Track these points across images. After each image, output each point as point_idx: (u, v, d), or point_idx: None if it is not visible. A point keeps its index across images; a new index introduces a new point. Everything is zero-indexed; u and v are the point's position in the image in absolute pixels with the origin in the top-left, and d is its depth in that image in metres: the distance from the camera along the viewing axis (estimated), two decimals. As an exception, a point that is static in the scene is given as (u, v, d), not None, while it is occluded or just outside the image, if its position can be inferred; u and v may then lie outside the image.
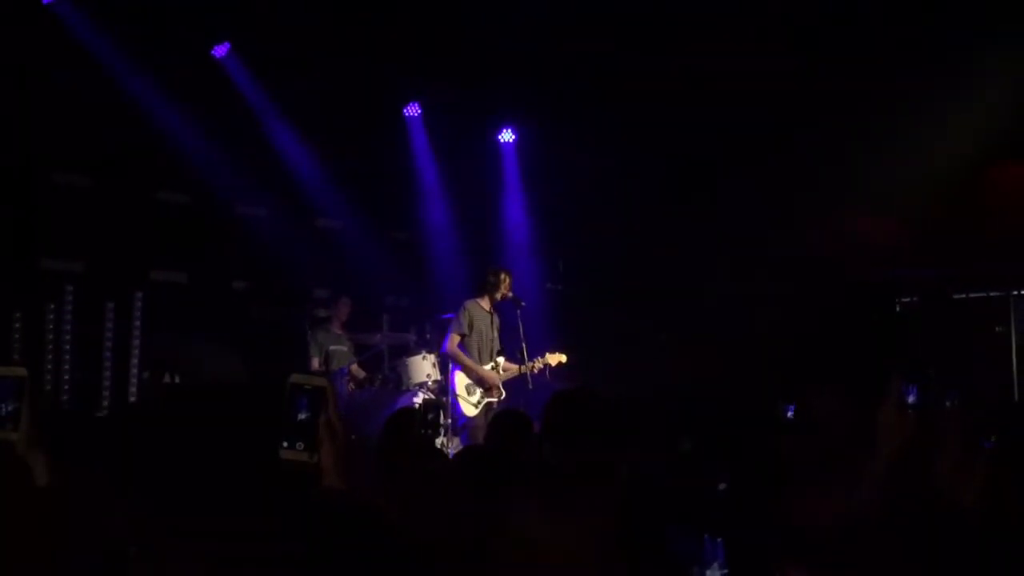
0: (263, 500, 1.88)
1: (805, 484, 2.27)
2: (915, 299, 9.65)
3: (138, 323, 9.26)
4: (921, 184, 8.84)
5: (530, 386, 8.62)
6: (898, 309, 9.71)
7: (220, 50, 9.89)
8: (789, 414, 2.36)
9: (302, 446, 1.83)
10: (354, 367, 9.73)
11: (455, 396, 8.61)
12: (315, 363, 9.54)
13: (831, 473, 2.40)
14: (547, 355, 8.73)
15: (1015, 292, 8.97)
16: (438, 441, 8.56)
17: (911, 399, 2.29)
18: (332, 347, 9.71)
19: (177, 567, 1.67)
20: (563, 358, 8.78)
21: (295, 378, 1.87)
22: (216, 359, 8.18)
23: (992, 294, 9.12)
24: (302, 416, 1.85)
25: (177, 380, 8.43)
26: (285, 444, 1.83)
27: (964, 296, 9.37)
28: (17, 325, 8.50)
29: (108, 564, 1.77)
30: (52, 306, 8.82)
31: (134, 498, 1.95)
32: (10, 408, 2.18)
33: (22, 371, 2.17)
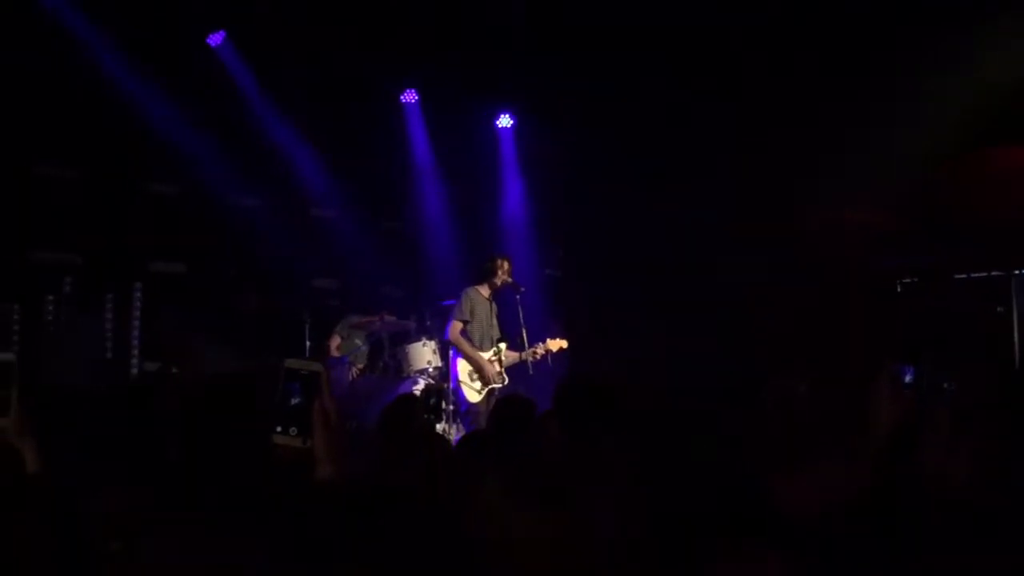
0: (258, 490, 1.86)
1: (794, 466, 2.25)
2: (916, 280, 9.62)
3: (137, 314, 9.26)
4: (920, 166, 8.81)
5: (531, 372, 8.62)
6: (899, 290, 9.69)
7: (215, 38, 9.85)
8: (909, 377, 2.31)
9: (295, 431, 1.82)
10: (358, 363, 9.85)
11: (458, 382, 8.59)
12: (336, 340, 9.68)
13: (822, 455, 2.38)
14: (548, 341, 8.70)
15: (1016, 272, 8.94)
16: (439, 427, 8.57)
17: (907, 379, 2.27)
18: (356, 339, 9.85)
19: (165, 560, 1.66)
20: (564, 344, 8.76)
21: (290, 363, 1.86)
22: (212, 351, 8.19)
23: (993, 274, 9.09)
24: (295, 401, 1.83)
25: (175, 372, 8.45)
26: (279, 429, 1.82)
27: (965, 277, 9.34)
28: (16, 318, 8.49)
29: (87, 555, 1.76)
30: (51, 298, 8.82)
31: (125, 488, 1.94)
32: None
33: (10, 357, 2.17)
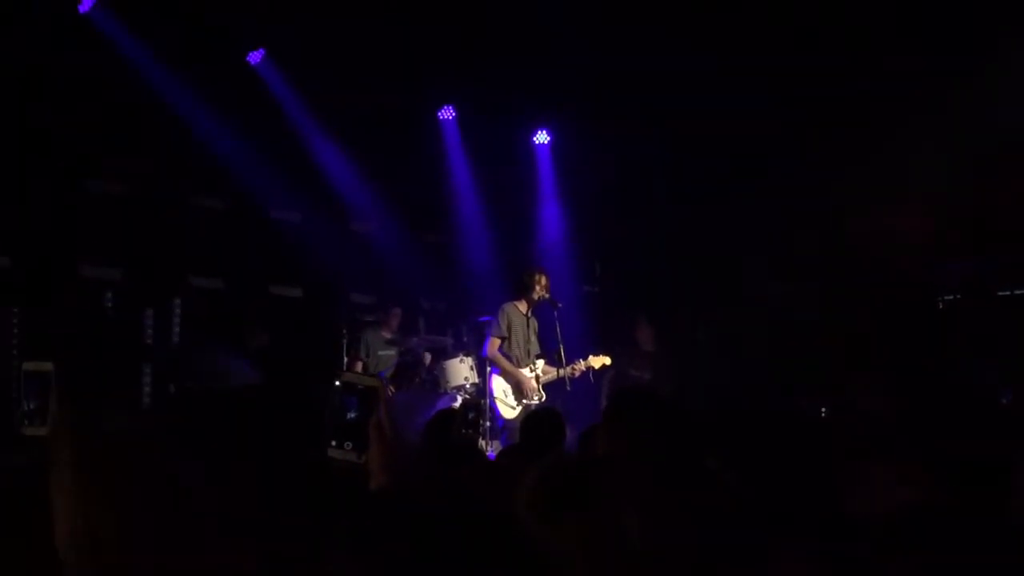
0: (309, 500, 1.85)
1: (850, 480, 2.21)
2: (957, 297, 9.46)
3: (177, 329, 9.31)
4: (962, 175, 8.66)
5: (568, 388, 8.56)
6: (940, 307, 9.53)
7: (255, 56, 9.95)
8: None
9: (350, 446, 1.79)
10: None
11: (493, 399, 8.56)
12: (359, 366, 9.59)
13: (876, 469, 2.34)
14: (590, 357, 8.61)
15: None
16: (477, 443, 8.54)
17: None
18: (380, 352, 9.77)
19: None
20: (607, 360, 8.68)
21: (347, 377, 1.83)
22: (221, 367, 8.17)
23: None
24: (352, 416, 1.81)
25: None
26: (333, 443, 1.80)
27: (1009, 293, 9.18)
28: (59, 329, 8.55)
29: None
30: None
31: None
32: (33, 406, 2.22)
33: (48, 366, 2.19)
